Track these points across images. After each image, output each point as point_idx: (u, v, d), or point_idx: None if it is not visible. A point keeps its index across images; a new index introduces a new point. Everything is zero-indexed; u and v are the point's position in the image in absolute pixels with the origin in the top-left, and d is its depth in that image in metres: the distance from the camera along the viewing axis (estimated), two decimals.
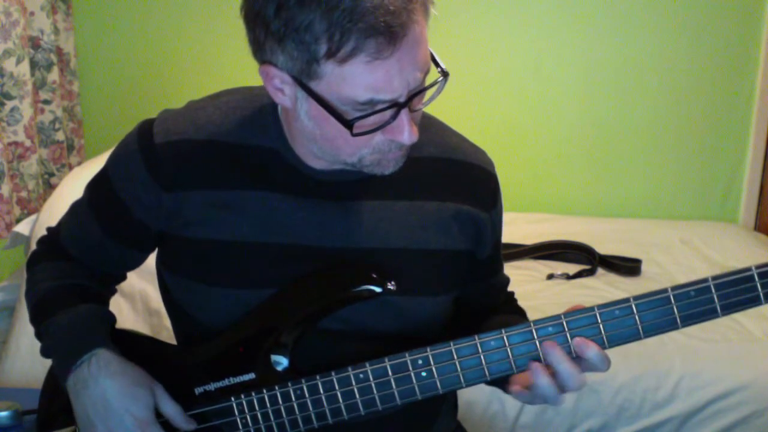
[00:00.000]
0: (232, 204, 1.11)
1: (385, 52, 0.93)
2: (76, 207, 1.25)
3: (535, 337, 1.04)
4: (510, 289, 1.35)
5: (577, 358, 1.03)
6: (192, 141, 1.12)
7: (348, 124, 0.98)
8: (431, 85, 1.02)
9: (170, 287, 1.19)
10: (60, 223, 1.28)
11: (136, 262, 1.25)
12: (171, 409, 1.11)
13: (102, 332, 1.15)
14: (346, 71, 0.94)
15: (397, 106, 0.98)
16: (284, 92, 1.02)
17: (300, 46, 0.94)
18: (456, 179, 1.18)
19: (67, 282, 1.21)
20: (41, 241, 1.30)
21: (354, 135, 0.99)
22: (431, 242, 1.15)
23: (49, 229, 1.30)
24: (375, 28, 0.92)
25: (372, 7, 0.91)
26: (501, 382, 1.11)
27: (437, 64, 1.02)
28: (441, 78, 1.02)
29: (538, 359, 1.03)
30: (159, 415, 1.11)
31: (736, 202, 2.98)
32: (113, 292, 1.31)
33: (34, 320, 1.20)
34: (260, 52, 1.00)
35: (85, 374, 1.10)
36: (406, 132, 1.00)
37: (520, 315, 1.30)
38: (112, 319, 1.20)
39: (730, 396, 1.90)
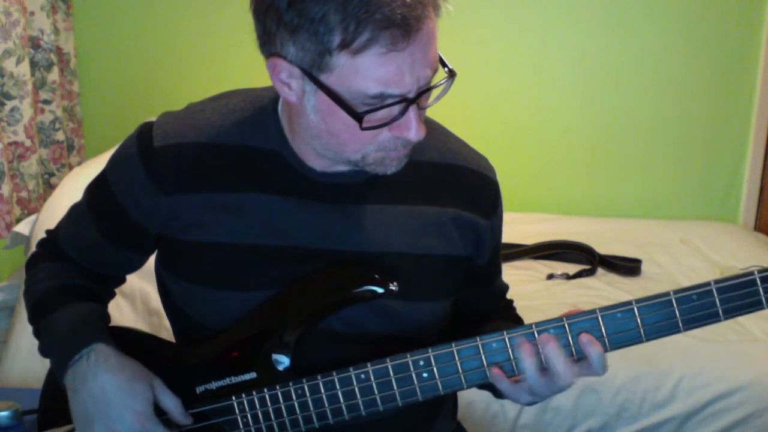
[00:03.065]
0: (232, 206, 1.11)
1: (400, 44, 0.93)
2: (74, 209, 1.25)
3: (537, 339, 1.03)
4: (510, 288, 1.35)
5: (579, 359, 1.03)
6: (191, 144, 1.12)
7: (358, 117, 0.98)
8: (439, 84, 1.02)
9: (170, 290, 1.19)
10: (59, 226, 1.27)
11: (135, 265, 1.25)
12: (170, 403, 1.11)
13: (100, 328, 1.15)
14: (359, 63, 0.94)
15: (406, 101, 0.98)
16: (291, 86, 1.02)
17: (313, 37, 0.94)
18: (457, 185, 1.18)
19: (66, 282, 1.21)
20: (40, 244, 1.30)
21: (362, 129, 0.99)
22: (431, 247, 1.15)
23: (48, 232, 1.30)
24: (391, 19, 0.92)
25: None
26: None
27: (444, 64, 1.02)
28: (448, 77, 1.02)
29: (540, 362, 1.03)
30: (160, 413, 1.11)
31: (736, 202, 2.98)
32: (112, 295, 1.30)
33: (33, 319, 1.20)
34: (269, 44, 0.99)
35: (84, 369, 1.09)
36: (413, 128, 1.00)
37: (515, 323, 1.29)
38: (108, 318, 1.20)
39: (730, 396, 1.90)
